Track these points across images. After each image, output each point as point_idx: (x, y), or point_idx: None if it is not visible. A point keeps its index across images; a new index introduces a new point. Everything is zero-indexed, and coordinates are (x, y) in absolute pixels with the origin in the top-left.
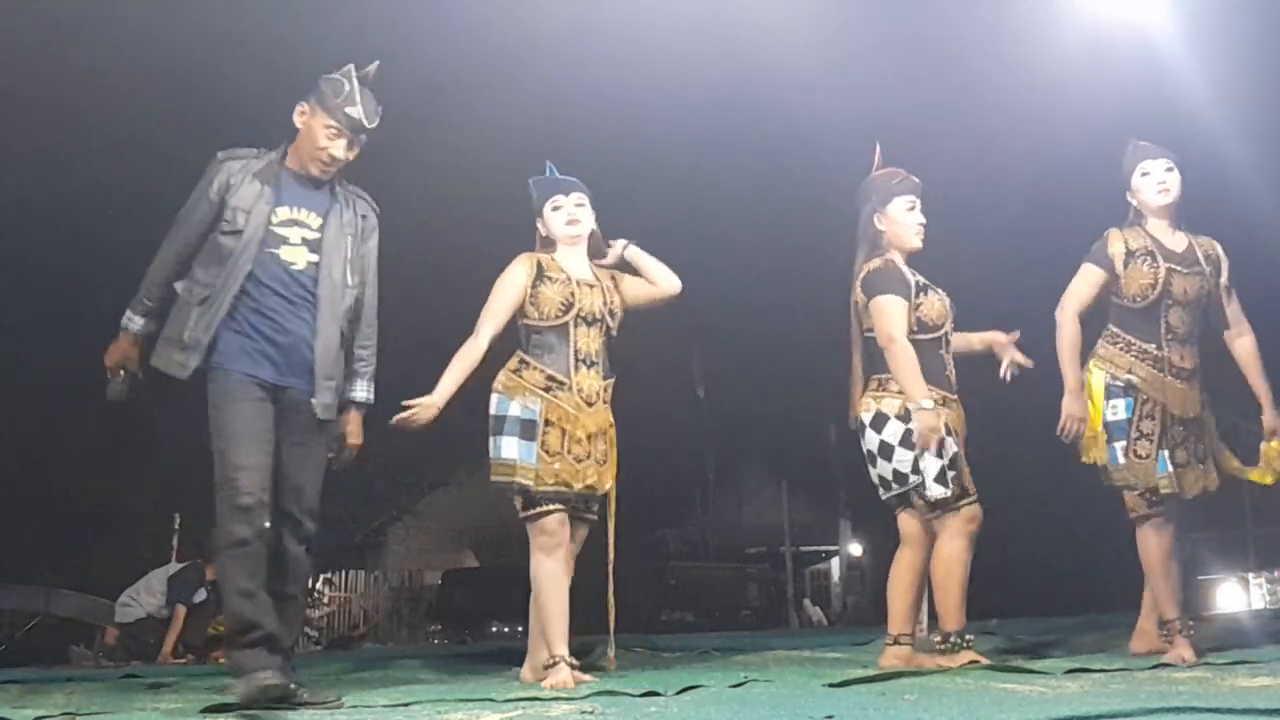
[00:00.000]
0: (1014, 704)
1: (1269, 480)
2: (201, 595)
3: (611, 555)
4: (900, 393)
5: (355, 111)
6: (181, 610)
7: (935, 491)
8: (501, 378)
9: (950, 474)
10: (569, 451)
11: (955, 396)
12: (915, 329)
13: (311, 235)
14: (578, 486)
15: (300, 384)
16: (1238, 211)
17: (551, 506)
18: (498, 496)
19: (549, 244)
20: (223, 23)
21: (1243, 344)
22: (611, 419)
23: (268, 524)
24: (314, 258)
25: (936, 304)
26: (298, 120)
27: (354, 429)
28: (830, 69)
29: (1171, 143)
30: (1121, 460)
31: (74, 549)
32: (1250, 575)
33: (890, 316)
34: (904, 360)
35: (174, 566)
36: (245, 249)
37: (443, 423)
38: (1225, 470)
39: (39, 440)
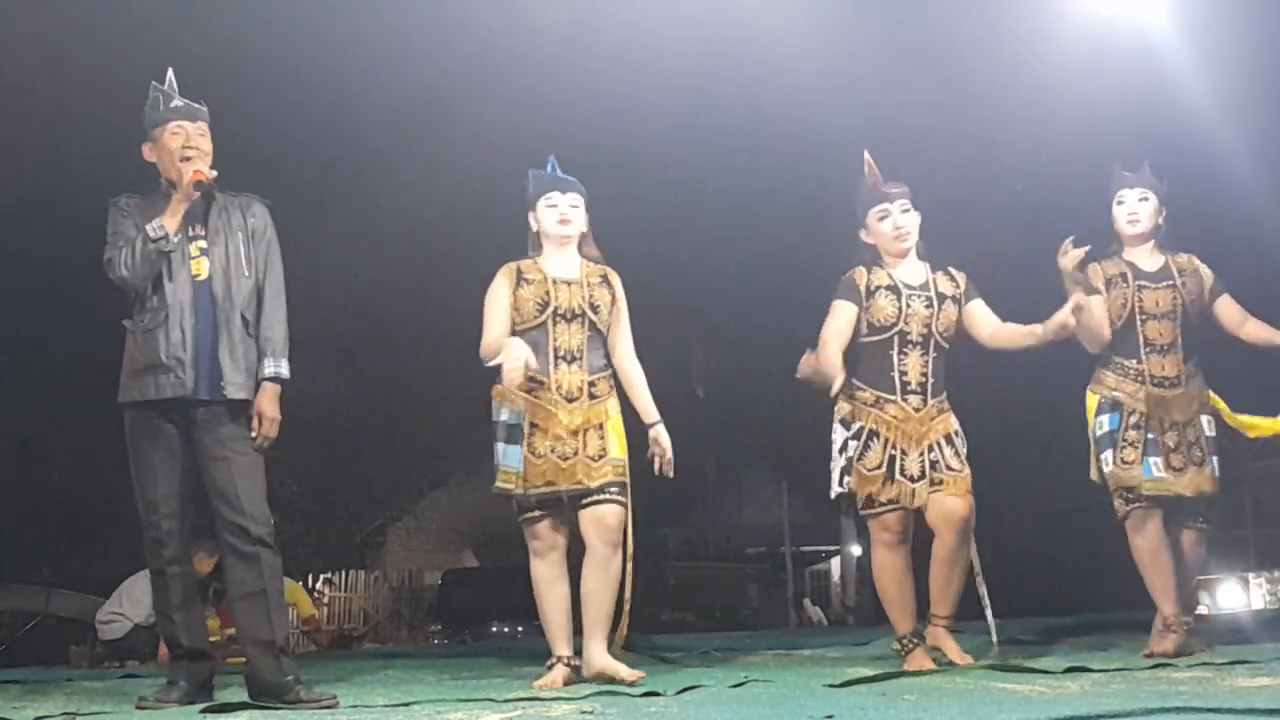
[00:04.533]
0: (1014, 704)
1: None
2: None
3: (630, 547)
4: (851, 396)
5: (179, 102)
6: None
7: (833, 488)
8: (496, 384)
9: (846, 478)
10: (553, 451)
11: (896, 399)
12: (866, 331)
13: (204, 244)
14: (564, 485)
15: (200, 393)
16: (1237, 211)
17: (539, 512)
18: (498, 496)
19: (537, 241)
20: (226, 23)
21: (1250, 327)
22: (608, 413)
23: (182, 549)
24: (210, 263)
25: (886, 307)
26: (150, 156)
27: (265, 402)
28: (831, 68)
29: (1171, 143)
30: (1107, 469)
31: (74, 549)
32: (1250, 575)
33: (828, 320)
34: (819, 350)
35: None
36: (176, 272)
37: (442, 423)
38: (1237, 426)
39: (39, 440)
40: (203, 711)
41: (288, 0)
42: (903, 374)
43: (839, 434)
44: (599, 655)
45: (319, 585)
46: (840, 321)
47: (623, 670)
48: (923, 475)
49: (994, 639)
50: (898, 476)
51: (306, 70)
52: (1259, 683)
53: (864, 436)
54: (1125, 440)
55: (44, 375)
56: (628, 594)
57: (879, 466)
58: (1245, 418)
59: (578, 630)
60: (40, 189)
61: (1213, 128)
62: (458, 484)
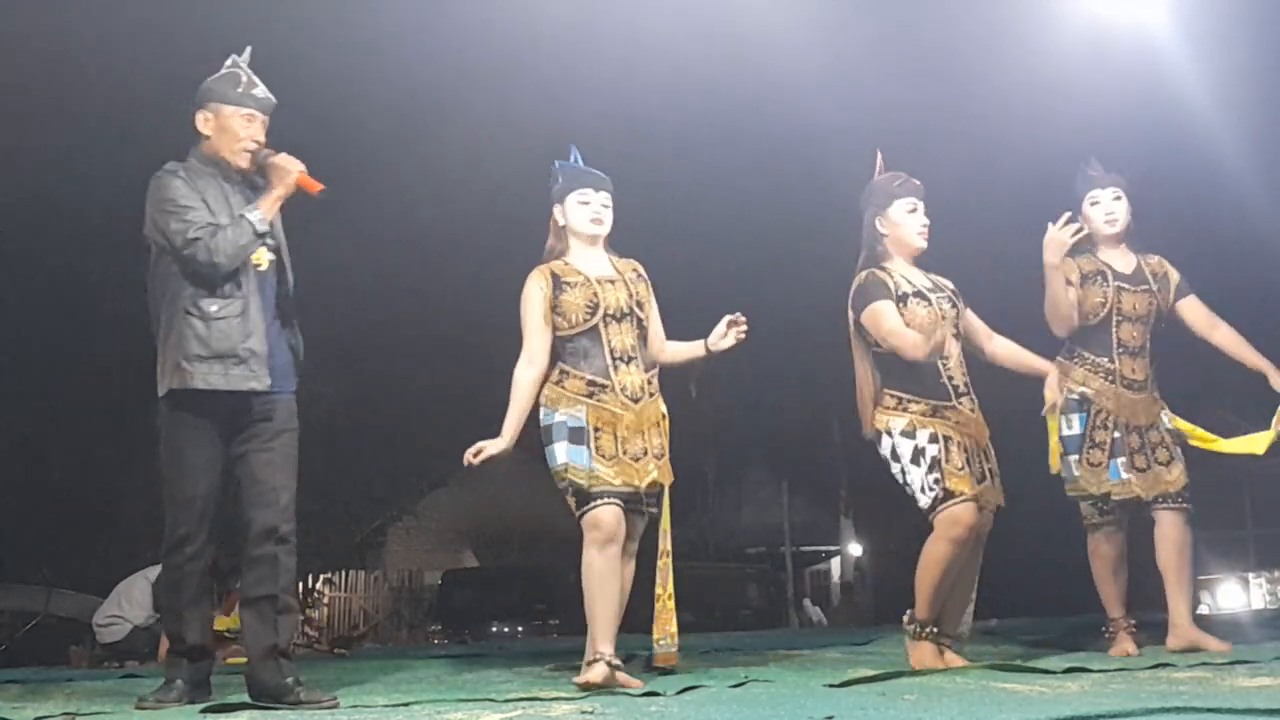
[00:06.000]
0: (1014, 704)
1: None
2: None
3: (669, 544)
4: (904, 410)
5: (260, 92)
6: None
7: (921, 501)
8: (545, 390)
9: (931, 478)
10: (624, 453)
11: (953, 404)
12: None
13: (270, 239)
14: (641, 485)
15: (272, 386)
16: (1236, 210)
17: (606, 501)
18: (498, 496)
19: (560, 236)
20: (224, 22)
21: (1222, 334)
22: (663, 410)
23: (204, 546)
24: (271, 256)
25: (920, 313)
26: (205, 127)
27: None
28: (832, 70)
29: (1170, 142)
30: (1076, 472)
31: (74, 549)
32: (1250, 575)
33: (882, 319)
34: (906, 345)
35: (151, 572)
36: (246, 262)
37: (442, 423)
38: (1189, 439)
39: (39, 440)
40: (203, 711)
41: (288, 1)
42: (950, 379)
43: (905, 445)
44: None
45: (319, 585)
46: (898, 321)
47: (621, 677)
48: (983, 477)
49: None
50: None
51: (306, 71)
52: (1259, 683)
53: (940, 440)
54: (1093, 441)
55: (44, 375)
56: (670, 591)
57: (963, 467)
58: (1190, 428)
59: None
60: (40, 189)
61: (1212, 128)
62: (458, 484)
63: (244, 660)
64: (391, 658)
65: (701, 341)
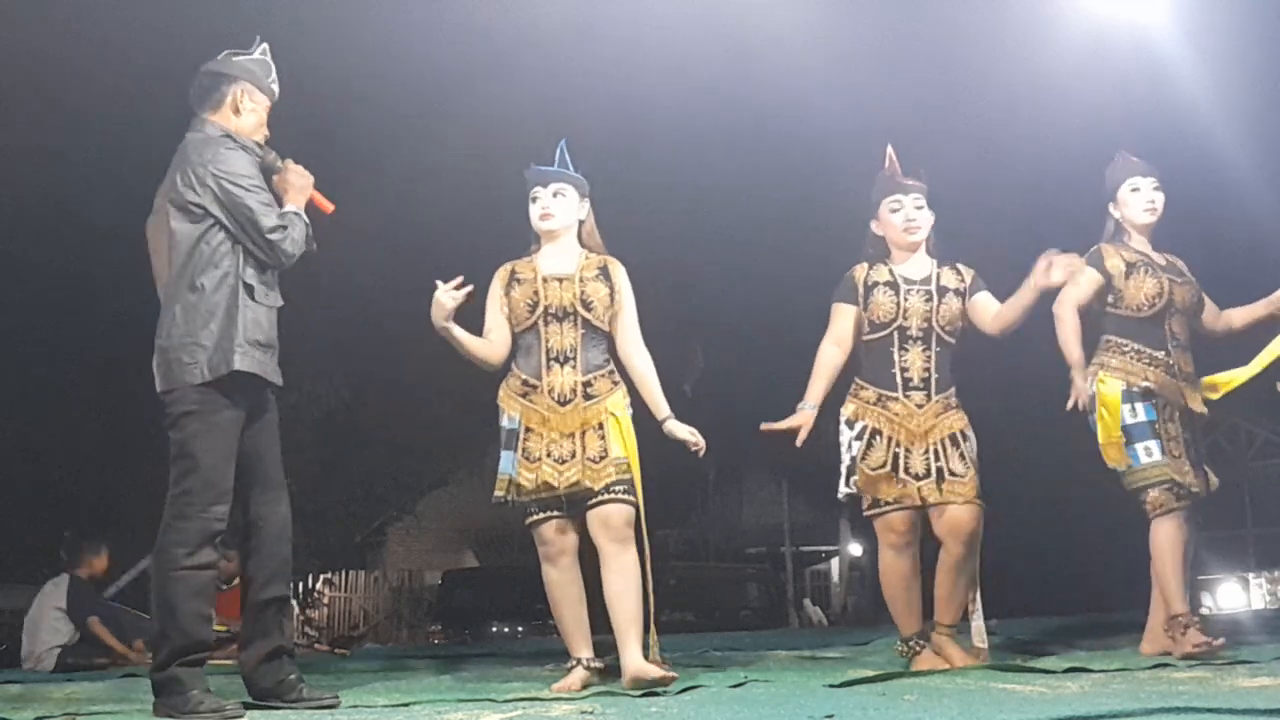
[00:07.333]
0: (1014, 704)
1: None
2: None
3: (647, 546)
4: (855, 396)
5: (276, 88)
6: (96, 620)
7: (840, 489)
8: (499, 391)
9: (852, 478)
10: (549, 454)
11: (898, 395)
12: (867, 329)
13: None
14: (562, 489)
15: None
16: (1237, 210)
17: (543, 514)
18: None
19: (537, 235)
20: (223, 22)
21: (1228, 313)
22: (609, 410)
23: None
24: None
25: (884, 303)
26: (243, 103)
27: None
28: (831, 69)
29: (1171, 142)
30: (1150, 459)
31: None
32: (1250, 575)
33: (830, 324)
34: (815, 363)
35: (52, 594)
36: None
37: (442, 423)
38: (1217, 390)
39: (39, 440)
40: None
41: (287, 1)
42: (904, 370)
43: (844, 435)
44: (632, 660)
45: (319, 585)
46: (838, 330)
47: (653, 671)
48: (928, 473)
49: (982, 643)
50: (901, 474)
51: (305, 70)
52: (1259, 683)
53: (867, 435)
54: (1167, 433)
55: (44, 375)
56: (650, 596)
57: (883, 465)
58: (1225, 379)
59: (597, 630)
60: (41, 189)
61: (1212, 127)
62: (458, 484)
63: (233, 661)
64: (391, 658)
65: (662, 411)
